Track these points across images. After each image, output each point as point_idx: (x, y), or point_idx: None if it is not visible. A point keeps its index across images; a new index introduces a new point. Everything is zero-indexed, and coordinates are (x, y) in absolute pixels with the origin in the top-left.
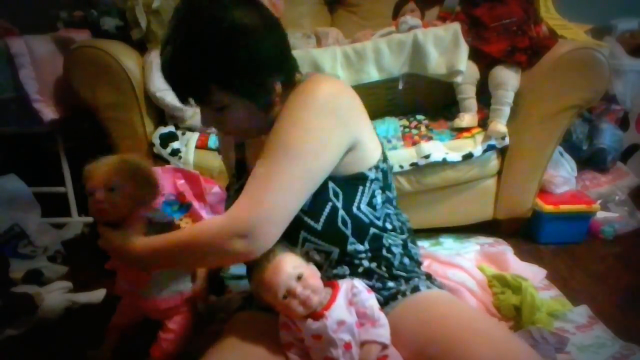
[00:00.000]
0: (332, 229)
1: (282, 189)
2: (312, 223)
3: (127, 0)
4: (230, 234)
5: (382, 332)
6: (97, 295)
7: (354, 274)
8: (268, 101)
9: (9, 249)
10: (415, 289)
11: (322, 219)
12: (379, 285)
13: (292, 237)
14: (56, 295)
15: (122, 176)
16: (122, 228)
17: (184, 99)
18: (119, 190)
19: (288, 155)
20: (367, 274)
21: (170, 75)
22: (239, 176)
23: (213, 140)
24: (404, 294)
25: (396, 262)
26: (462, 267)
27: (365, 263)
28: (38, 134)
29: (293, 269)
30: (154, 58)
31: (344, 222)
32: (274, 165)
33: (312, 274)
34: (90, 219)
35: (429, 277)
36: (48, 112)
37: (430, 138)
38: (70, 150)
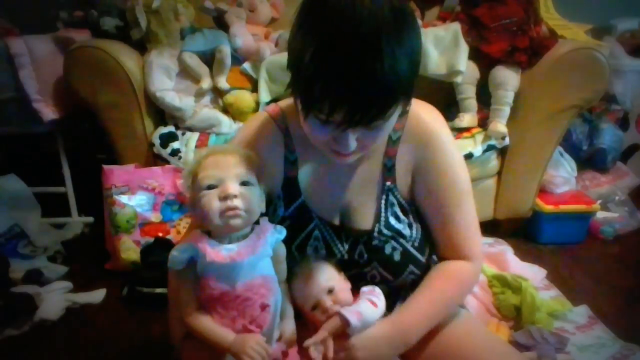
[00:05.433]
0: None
1: (477, 225)
2: (419, 256)
3: (127, 0)
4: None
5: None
6: (97, 295)
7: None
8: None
9: (9, 249)
10: None
11: (427, 251)
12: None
13: (400, 271)
14: (56, 295)
15: (255, 170)
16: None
17: (353, 119)
18: (253, 186)
19: (468, 195)
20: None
21: (363, 88)
22: (289, 196)
23: (213, 140)
24: None
25: None
26: None
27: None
28: (38, 134)
29: (326, 282)
30: (154, 58)
31: None
32: (465, 206)
33: (343, 288)
34: (90, 219)
35: None
36: (48, 112)
37: None
38: (70, 150)
